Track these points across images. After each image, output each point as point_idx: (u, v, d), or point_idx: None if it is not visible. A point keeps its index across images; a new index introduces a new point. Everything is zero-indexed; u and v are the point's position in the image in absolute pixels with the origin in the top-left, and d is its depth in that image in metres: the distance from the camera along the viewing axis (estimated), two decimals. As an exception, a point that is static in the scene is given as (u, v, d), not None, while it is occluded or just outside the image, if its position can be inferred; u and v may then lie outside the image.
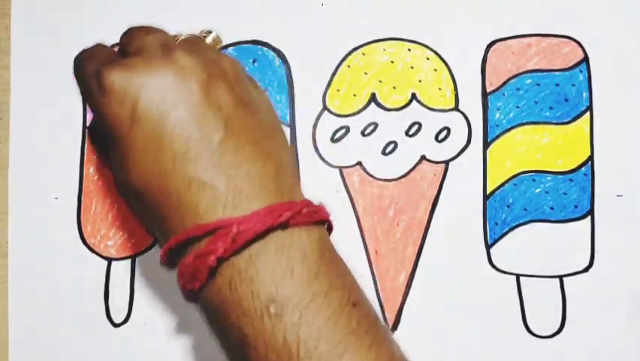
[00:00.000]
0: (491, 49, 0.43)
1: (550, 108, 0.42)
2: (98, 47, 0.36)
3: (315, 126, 0.43)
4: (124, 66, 0.31)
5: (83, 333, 0.42)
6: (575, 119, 0.42)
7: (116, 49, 0.36)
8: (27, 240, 0.43)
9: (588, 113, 0.42)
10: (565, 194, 0.42)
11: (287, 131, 0.43)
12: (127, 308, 0.42)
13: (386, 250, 0.42)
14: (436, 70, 0.43)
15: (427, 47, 0.43)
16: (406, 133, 0.43)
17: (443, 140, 0.42)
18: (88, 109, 0.44)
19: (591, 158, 0.42)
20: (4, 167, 0.43)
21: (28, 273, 0.43)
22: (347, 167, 0.43)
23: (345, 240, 0.42)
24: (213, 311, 0.30)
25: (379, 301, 0.42)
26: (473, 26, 0.43)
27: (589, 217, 0.41)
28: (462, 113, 0.43)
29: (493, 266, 0.41)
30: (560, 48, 0.42)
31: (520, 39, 0.43)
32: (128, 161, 0.31)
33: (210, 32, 0.37)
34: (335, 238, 0.42)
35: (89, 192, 0.43)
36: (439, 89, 0.43)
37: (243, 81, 0.33)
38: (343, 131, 0.43)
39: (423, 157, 0.42)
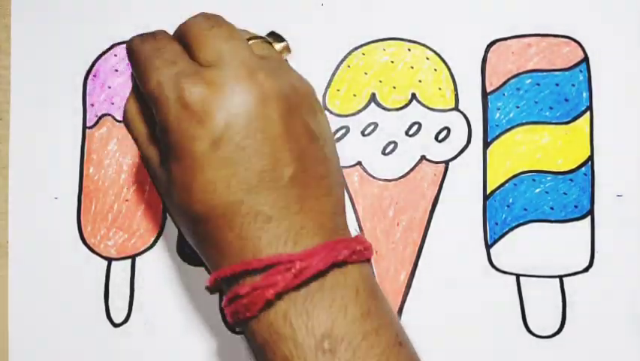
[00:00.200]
0: (491, 49, 0.43)
1: (550, 108, 0.42)
2: (165, 38, 0.33)
3: (315, 126, 0.43)
4: (208, 83, 0.29)
5: (83, 333, 0.42)
6: (575, 119, 0.42)
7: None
8: (27, 240, 0.43)
9: (588, 113, 0.42)
10: (565, 194, 0.42)
11: (287, 131, 0.43)
12: (127, 308, 0.42)
13: (386, 250, 0.42)
14: (436, 70, 0.43)
15: (427, 47, 0.43)
16: (406, 133, 0.43)
17: (443, 140, 0.42)
18: (88, 109, 0.44)
19: (591, 158, 0.42)
20: (4, 167, 0.43)
21: (28, 273, 0.43)
22: (347, 167, 0.43)
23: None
24: (262, 343, 0.30)
25: (379, 301, 0.42)
26: (473, 26, 0.43)
27: (589, 217, 0.41)
28: (462, 113, 0.43)
29: (493, 266, 0.41)
30: (560, 48, 0.42)
31: (520, 39, 0.43)
32: (195, 183, 0.30)
33: (281, 39, 0.35)
34: (335, 238, 0.42)
35: (89, 192, 0.43)
36: (439, 89, 0.43)
37: (315, 111, 0.32)
38: (343, 131, 0.43)
39: (423, 157, 0.42)
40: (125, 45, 0.44)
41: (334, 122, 0.43)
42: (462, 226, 0.42)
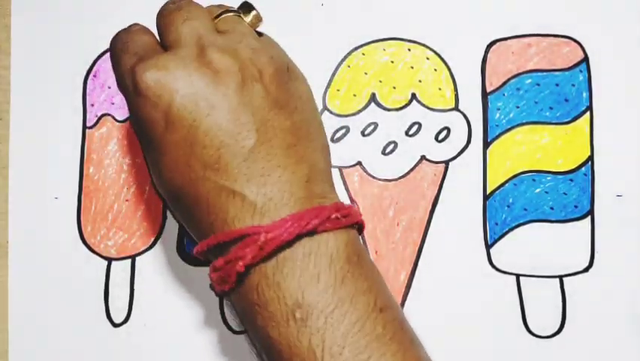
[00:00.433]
0: (491, 49, 0.43)
1: (550, 108, 0.42)
2: (137, 30, 0.34)
3: (315, 126, 0.43)
4: (158, 67, 0.30)
5: (83, 333, 0.42)
6: (575, 119, 0.42)
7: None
8: (27, 240, 0.43)
9: (588, 113, 0.42)
10: (565, 194, 0.42)
11: (287, 131, 0.43)
12: (127, 308, 0.42)
13: (386, 250, 0.42)
14: (436, 70, 0.43)
15: (427, 46, 0.43)
16: (406, 133, 0.43)
17: (443, 140, 0.42)
18: (88, 109, 0.44)
19: (591, 158, 0.42)
20: (4, 167, 0.43)
21: (28, 273, 0.43)
22: (347, 167, 0.43)
23: None
24: (241, 314, 0.31)
25: (379, 301, 0.42)
26: (473, 26, 0.43)
27: (589, 217, 0.41)
28: (462, 113, 0.43)
29: (493, 266, 0.41)
30: (560, 48, 0.42)
31: (520, 39, 0.43)
32: (160, 164, 0.31)
33: (250, 9, 0.35)
34: (335, 238, 0.42)
35: (89, 192, 0.43)
36: (439, 89, 0.43)
37: (281, 78, 0.32)
38: (343, 131, 0.43)
39: (423, 157, 0.42)
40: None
41: (334, 122, 0.43)
42: (462, 225, 0.42)
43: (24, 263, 0.43)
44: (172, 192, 0.31)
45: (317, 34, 0.43)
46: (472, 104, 0.43)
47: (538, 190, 0.42)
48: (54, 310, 0.42)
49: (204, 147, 0.29)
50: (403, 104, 0.43)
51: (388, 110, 0.43)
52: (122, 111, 0.44)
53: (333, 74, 0.43)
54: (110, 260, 0.43)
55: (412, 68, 0.43)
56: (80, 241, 0.43)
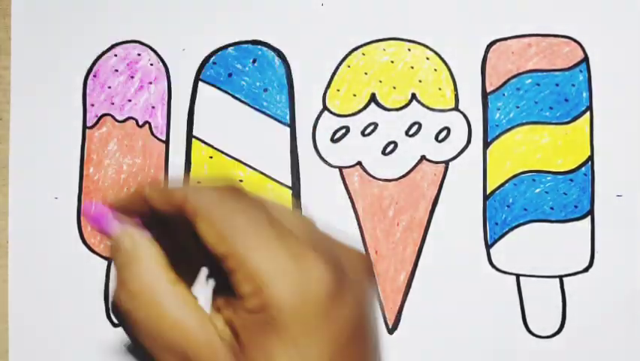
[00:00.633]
0: (491, 49, 0.43)
1: (550, 108, 0.42)
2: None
3: (315, 126, 0.43)
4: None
5: (83, 333, 0.42)
6: (575, 119, 0.42)
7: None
8: (27, 240, 0.43)
9: (588, 113, 0.42)
10: (565, 194, 0.42)
11: (287, 131, 0.43)
12: (127, 308, 0.42)
13: (386, 250, 0.42)
14: (436, 70, 0.43)
15: (427, 47, 0.43)
16: (406, 133, 0.43)
17: (443, 140, 0.42)
18: (88, 109, 0.44)
19: (591, 158, 0.42)
20: (4, 167, 0.43)
21: (28, 273, 0.43)
22: (347, 167, 0.43)
23: (345, 240, 0.42)
24: None
25: (379, 301, 0.42)
26: (473, 26, 0.43)
27: (589, 217, 0.41)
28: (462, 113, 0.43)
29: (493, 266, 0.41)
30: (560, 48, 0.42)
31: (520, 39, 0.43)
32: None
33: None
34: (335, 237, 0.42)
35: (89, 192, 0.43)
36: (439, 89, 0.43)
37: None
38: (343, 131, 0.43)
39: (423, 157, 0.42)
40: (124, 45, 0.44)
41: (334, 122, 0.43)
42: (462, 225, 0.42)
43: (24, 263, 0.43)
44: None
45: (317, 34, 0.43)
46: (472, 104, 0.43)
47: (538, 190, 0.42)
48: (54, 310, 0.42)
49: None
50: (403, 104, 0.43)
51: (388, 110, 0.43)
52: (122, 111, 0.44)
53: (333, 74, 0.43)
54: (110, 260, 0.43)
55: (412, 68, 0.43)
56: (80, 241, 0.43)
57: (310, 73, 0.43)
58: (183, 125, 0.43)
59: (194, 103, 0.43)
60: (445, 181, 0.42)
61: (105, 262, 0.43)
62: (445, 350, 0.41)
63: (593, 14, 0.42)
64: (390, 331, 0.41)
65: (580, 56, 0.42)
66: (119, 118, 0.44)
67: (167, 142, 0.43)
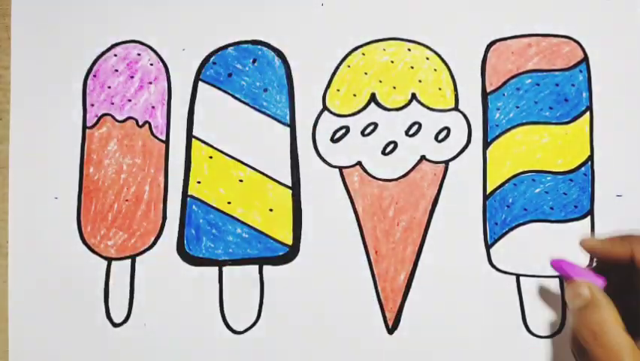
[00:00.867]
0: (491, 49, 0.43)
1: (550, 108, 0.42)
2: None
3: (315, 126, 0.43)
4: None
5: (83, 333, 0.42)
6: (574, 119, 0.42)
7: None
8: (27, 240, 0.43)
9: (588, 113, 0.42)
10: (565, 194, 0.42)
11: (287, 131, 0.43)
12: (127, 308, 0.42)
13: (386, 250, 0.42)
14: (436, 70, 0.43)
15: (427, 47, 0.43)
16: (406, 133, 0.43)
17: (443, 140, 0.42)
18: (88, 109, 0.44)
19: (591, 158, 0.42)
20: (4, 167, 0.43)
21: (28, 273, 0.43)
22: (347, 167, 0.43)
23: (345, 240, 0.42)
24: None
25: (379, 301, 0.42)
26: (473, 26, 0.43)
27: (589, 217, 0.41)
28: (462, 113, 0.43)
29: (493, 266, 0.41)
30: (560, 48, 0.42)
31: (520, 39, 0.43)
32: None
33: None
34: (335, 237, 0.42)
35: (89, 192, 0.43)
36: (439, 89, 0.43)
37: None
38: (343, 131, 0.43)
39: (423, 157, 0.42)
40: (124, 45, 0.44)
41: (334, 122, 0.43)
42: (462, 226, 0.42)
43: (24, 263, 0.43)
44: None
45: (317, 34, 0.43)
46: (472, 104, 0.43)
47: (538, 190, 0.42)
48: (54, 310, 0.42)
49: None
50: (403, 104, 0.43)
51: (388, 110, 0.43)
52: (122, 111, 0.44)
53: (333, 74, 0.43)
54: (110, 260, 0.43)
55: (412, 68, 0.43)
56: (80, 241, 0.43)
57: (310, 73, 0.43)
58: (183, 125, 0.43)
59: (194, 103, 0.44)
60: (445, 181, 0.42)
61: (105, 262, 0.43)
62: (445, 350, 0.41)
63: (593, 14, 0.42)
64: (390, 331, 0.41)
65: (580, 56, 0.42)
66: (119, 118, 0.44)
67: (167, 142, 0.43)
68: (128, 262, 0.43)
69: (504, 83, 0.42)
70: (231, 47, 0.44)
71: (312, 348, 0.42)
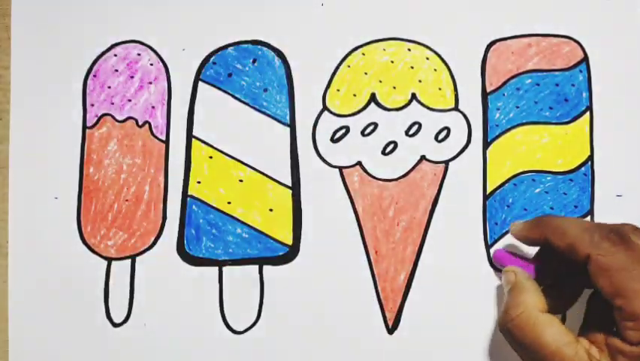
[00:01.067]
0: (491, 49, 0.43)
1: (550, 108, 0.42)
2: None
3: (315, 126, 0.43)
4: None
5: (83, 333, 0.42)
6: (574, 119, 0.42)
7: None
8: (27, 240, 0.43)
9: (588, 113, 0.42)
10: (565, 194, 0.42)
11: (287, 131, 0.43)
12: (127, 308, 0.42)
13: (386, 250, 0.42)
14: (436, 70, 0.43)
15: (427, 47, 0.43)
16: (406, 133, 0.43)
17: (443, 140, 0.42)
18: (88, 109, 0.44)
19: (591, 158, 0.42)
20: (4, 167, 0.43)
21: (28, 273, 0.43)
22: (347, 167, 0.43)
23: (345, 240, 0.42)
24: None
25: (379, 301, 0.42)
26: (473, 26, 0.43)
27: (589, 217, 0.41)
28: (462, 113, 0.43)
29: (493, 266, 0.41)
30: (560, 48, 0.42)
31: (520, 39, 0.43)
32: None
33: None
34: (335, 237, 0.42)
35: (89, 192, 0.43)
36: (439, 89, 0.43)
37: None
38: (343, 131, 0.43)
39: (423, 157, 0.42)
40: (124, 45, 0.44)
41: (334, 122, 0.43)
42: (462, 226, 0.42)
43: (24, 263, 0.43)
44: None
45: (317, 34, 0.43)
46: (472, 104, 0.43)
47: (538, 190, 0.42)
48: (54, 310, 0.42)
49: None
50: (403, 104, 0.43)
51: (388, 110, 0.43)
52: (122, 111, 0.44)
53: (333, 74, 0.43)
54: (110, 260, 0.43)
55: (412, 68, 0.43)
56: (80, 241, 0.43)
57: (310, 73, 0.43)
58: (183, 125, 0.43)
59: (194, 103, 0.44)
60: (445, 181, 0.42)
61: (105, 262, 0.43)
62: (445, 350, 0.41)
63: (593, 14, 0.42)
64: (390, 331, 0.41)
65: (580, 56, 0.42)
66: (119, 118, 0.44)
67: (167, 142, 0.43)
68: (128, 262, 0.43)
69: (504, 83, 0.42)
70: (231, 47, 0.44)
71: (312, 348, 0.42)
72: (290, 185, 0.43)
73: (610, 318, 0.33)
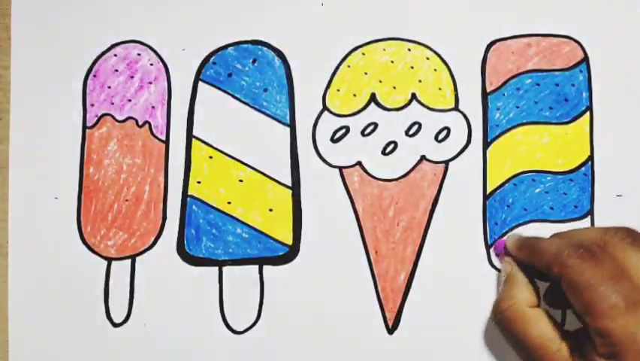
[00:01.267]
0: (491, 49, 0.43)
1: (550, 108, 0.42)
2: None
3: (315, 126, 0.43)
4: None
5: (83, 333, 0.42)
6: (574, 119, 0.42)
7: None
8: (27, 240, 0.43)
9: (588, 113, 0.42)
10: (565, 194, 0.42)
11: (287, 131, 0.43)
12: (127, 308, 0.42)
13: (386, 250, 0.42)
14: (436, 70, 0.43)
15: (427, 46, 0.43)
16: (406, 133, 0.43)
17: (443, 140, 0.42)
18: (88, 109, 0.44)
19: (591, 158, 0.42)
20: (4, 167, 0.43)
21: (28, 273, 0.43)
22: (347, 167, 0.43)
23: (345, 240, 0.42)
24: None
25: (379, 301, 0.42)
26: (473, 26, 0.43)
27: (589, 217, 0.41)
28: (462, 113, 0.43)
29: (493, 266, 0.41)
30: (560, 48, 0.42)
31: (520, 39, 0.43)
32: None
33: None
34: (335, 237, 0.42)
35: (89, 192, 0.43)
36: (439, 89, 0.43)
37: None
38: (343, 131, 0.43)
39: (423, 157, 0.42)
40: (124, 45, 0.44)
41: (334, 122, 0.43)
42: (462, 226, 0.42)
43: (24, 263, 0.43)
44: None
45: (317, 34, 0.43)
46: (472, 104, 0.43)
47: (538, 190, 0.42)
48: (54, 310, 0.42)
49: None
50: (403, 104, 0.43)
51: (388, 110, 0.43)
52: (122, 111, 0.44)
53: (333, 74, 0.43)
54: (110, 260, 0.43)
55: (412, 68, 0.43)
56: (80, 241, 0.43)
57: (310, 73, 0.43)
58: (183, 125, 0.43)
59: (194, 103, 0.44)
60: (445, 181, 0.42)
61: (105, 262, 0.43)
62: (445, 350, 0.41)
63: (593, 14, 0.42)
64: (390, 331, 0.41)
65: (580, 56, 0.42)
66: (119, 118, 0.44)
67: (167, 142, 0.43)
68: (128, 262, 0.43)
69: (504, 83, 0.42)
70: (231, 47, 0.44)
71: (312, 348, 0.42)
72: (290, 185, 0.43)
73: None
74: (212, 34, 0.44)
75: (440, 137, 0.42)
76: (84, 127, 0.44)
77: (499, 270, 0.41)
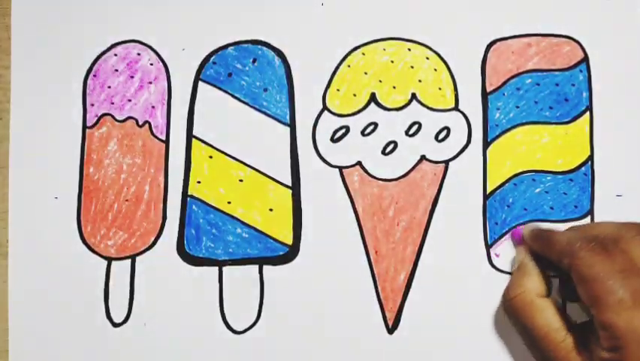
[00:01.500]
0: (491, 49, 0.43)
1: (550, 108, 0.42)
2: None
3: (315, 126, 0.43)
4: None
5: (83, 333, 0.42)
6: (574, 119, 0.42)
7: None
8: (27, 240, 0.43)
9: (588, 113, 0.42)
10: (565, 194, 0.42)
11: (287, 131, 0.43)
12: (127, 308, 0.42)
13: (386, 250, 0.42)
14: (436, 70, 0.43)
15: (427, 46, 0.43)
16: (406, 133, 0.43)
17: (443, 140, 0.42)
18: (88, 109, 0.44)
19: (591, 158, 0.42)
20: (4, 167, 0.43)
21: (28, 273, 0.43)
22: (347, 167, 0.43)
23: (345, 240, 0.42)
24: None
25: (379, 301, 0.42)
26: (473, 26, 0.43)
27: (589, 217, 0.41)
28: (462, 113, 0.43)
29: (493, 266, 0.41)
30: (560, 48, 0.42)
31: (520, 39, 0.43)
32: None
33: None
34: (335, 237, 0.42)
35: (89, 192, 0.43)
36: (439, 88, 0.43)
37: None
38: (343, 131, 0.43)
39: (423, 157, 0.42)
40: (124, 45, 0.44)
41: (334, 122, 0.43)
42: (462, 225, 0.42)
43: (24, 263, 0.43)
44: None
45: (317, 34, 0.43)
46: (472, 104, 0.43)
47: (538, 190, 0.42)
48: (54, 310, 0.42)
49: None
50: (403, 104, 0.43)
51: (388, 110, 0.43)
52: (122, 111, 0.44)
53: (333, 74, 0.43)
54: (110, 260, 0.43)
55: (412, 67, 0.43)
56: (80, 241, 0.43)
57: (310, 73, 0.43)
58: (183, 125, 0.44)
59: (194, 103, 0.44)
60: (445, 181, 0.42)
61: (105, 262, 0.43)
62: (445, 350, 0.41)
63: (593, 14, 0.42)
64: (390, 331, 0.41)
65: (580, 55, 0.42)
66: (119, 118, 0.44)
67: (167, 142, 0.44)
68: (128, 262, 0.43)
69: (504, 83, 0.42)
70: (231, 47, 0.44)
71: (312, 348, 0.42)
72: (290, 185, 0.43)
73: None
74: (212, 34, 0.44)
75: (440, 137, 0.42)
76: (84, 127, 0.44)
77: (499, 270, 0.41)
